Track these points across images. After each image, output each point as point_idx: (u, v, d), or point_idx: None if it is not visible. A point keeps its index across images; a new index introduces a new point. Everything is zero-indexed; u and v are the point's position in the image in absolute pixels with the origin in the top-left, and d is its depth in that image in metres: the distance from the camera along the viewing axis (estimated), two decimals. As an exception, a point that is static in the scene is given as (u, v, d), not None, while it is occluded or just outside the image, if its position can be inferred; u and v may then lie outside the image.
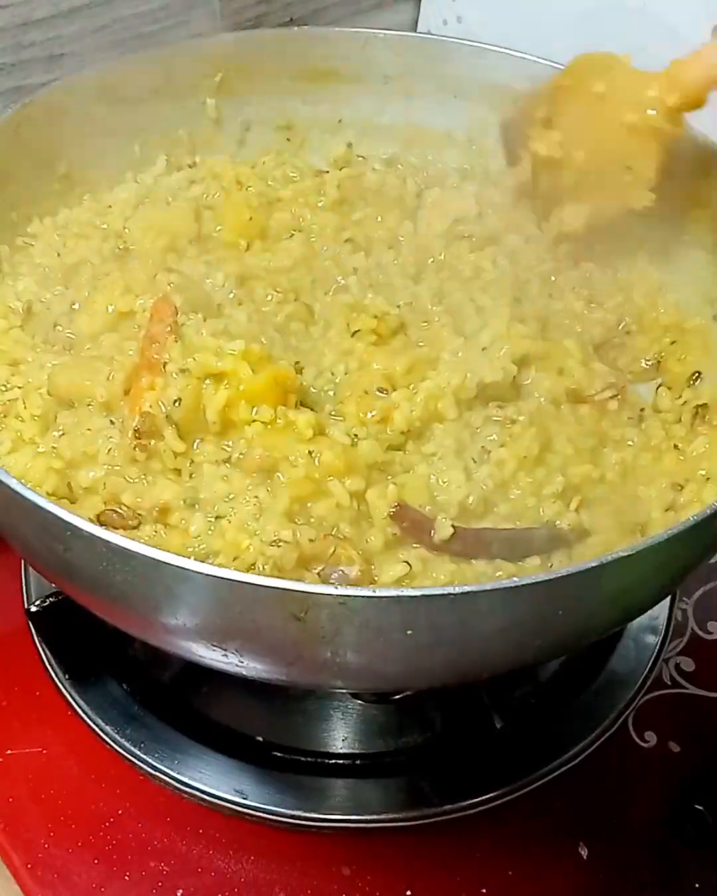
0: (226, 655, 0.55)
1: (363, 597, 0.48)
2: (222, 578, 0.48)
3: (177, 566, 0.49)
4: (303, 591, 0.47)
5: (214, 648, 0.55)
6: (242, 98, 0.98)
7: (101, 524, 0.62)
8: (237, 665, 0.56)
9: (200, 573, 0.48)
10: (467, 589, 0.48)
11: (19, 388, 0.74)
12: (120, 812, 0.77)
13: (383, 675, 0.57)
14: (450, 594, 0.48)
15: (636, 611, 0.67)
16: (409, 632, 0.50)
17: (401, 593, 0.48)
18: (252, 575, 0.48)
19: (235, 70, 0.96)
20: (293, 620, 0.49)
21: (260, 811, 0.75)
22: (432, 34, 1.15)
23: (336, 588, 0.48)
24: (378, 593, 0.48)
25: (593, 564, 0.50)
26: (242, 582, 0.48)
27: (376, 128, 1.02)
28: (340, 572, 0.62)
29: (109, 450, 0.68)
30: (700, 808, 0.78)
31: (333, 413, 0.73)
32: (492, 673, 0.64)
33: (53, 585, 0.80)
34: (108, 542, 0.50)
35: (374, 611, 0.49)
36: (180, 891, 0.73)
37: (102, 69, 0.89)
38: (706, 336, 0.84)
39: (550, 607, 0.53)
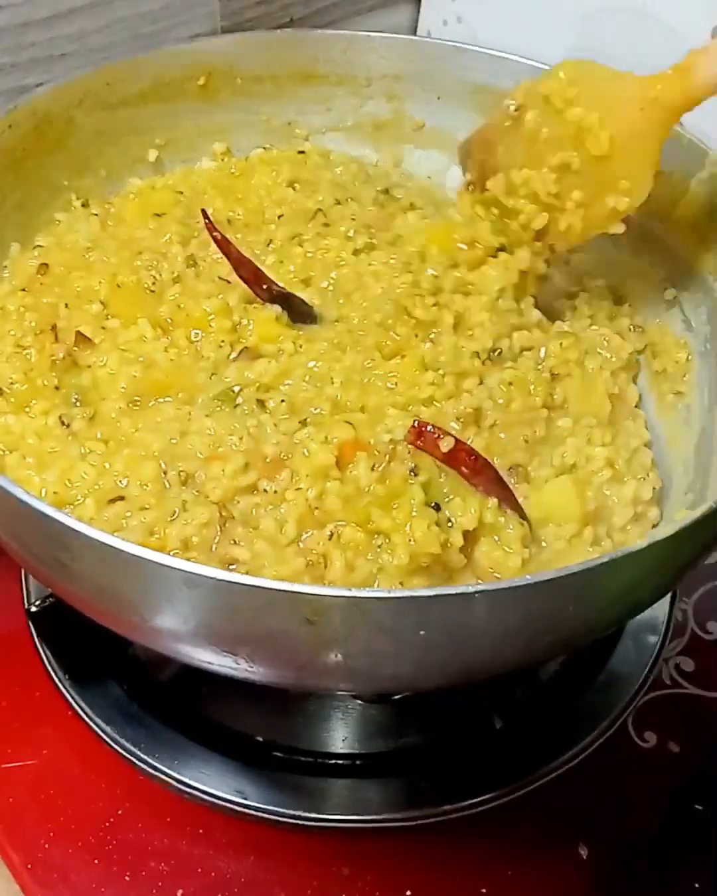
0: (236, 661, 0.55)
1: (376, 598, 0.48)
2: (234, 583, 0.48)
3: (188, 571, 0.49)
4: (316, 594, 0.48)
5: (224, 655, 0.55)
6: (229, 101, 0.99)
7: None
8: (247, 671, 0.56)
9: (212, 578, 0.48)
10: (480, 588, 0.49)
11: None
12: (120, 812, 0.77)
13: (392, 677, 0.58)
14: (462, 593, 0.48)
15: (640, 606, 0.68)
16: (421, 632, 0.50)
17: (414, 594, 0.49)
18: (264, 579, 0.48)
19: (220, 73, 0.97)
20: (305, 624, 0.49)
21: (260, 811, 0.76)
22: (430, 36, 1.16)
23: (349, 590, 0.48)
24: (391, 594, 0.48)
25: (604, 560, 0.51)
26: (255, 586, 0.48)
27: (359, 129, 1.03)
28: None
29: None
30: (700, 807, 0.79)
31: None
32: (501, 671, 0.64)
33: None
34: (115, 548, 0.50)
35: (387, 612, 0.49)
36: (180, 891, 0.73)
37: (89, 74, 0.89)
38: None
39: (559, 604, 0.54)
